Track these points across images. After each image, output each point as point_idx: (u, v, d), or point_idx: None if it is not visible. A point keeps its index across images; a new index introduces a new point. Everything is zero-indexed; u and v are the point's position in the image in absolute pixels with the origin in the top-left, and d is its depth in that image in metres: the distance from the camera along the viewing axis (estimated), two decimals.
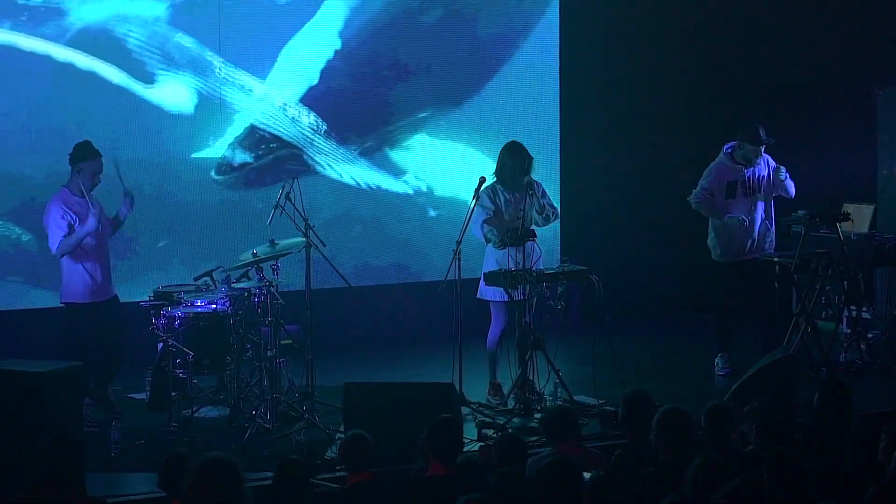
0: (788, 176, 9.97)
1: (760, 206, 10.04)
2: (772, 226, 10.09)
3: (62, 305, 9.19)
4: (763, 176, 10.02)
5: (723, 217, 9.97)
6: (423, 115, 11.86)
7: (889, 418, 6.18)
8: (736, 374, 9.59)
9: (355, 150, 11.65)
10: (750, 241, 10.01)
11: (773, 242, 10.10)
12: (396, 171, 11.82)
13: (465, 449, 7.43)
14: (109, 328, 9.13)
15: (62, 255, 8.96)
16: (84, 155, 9.00)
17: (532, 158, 9.33)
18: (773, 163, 10.05)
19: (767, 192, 10.04)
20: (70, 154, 9.06)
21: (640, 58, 12.56)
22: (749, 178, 9.99)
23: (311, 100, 11.46)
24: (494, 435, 8.09)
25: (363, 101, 11.62)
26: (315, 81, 11.45)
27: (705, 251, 10.26)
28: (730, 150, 10.03)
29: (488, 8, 11.99)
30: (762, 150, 9.96)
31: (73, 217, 8.92)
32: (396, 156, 11.83)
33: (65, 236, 8.90)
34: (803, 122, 10.15)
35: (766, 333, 10.12)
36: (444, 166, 11.96)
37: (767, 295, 10.09)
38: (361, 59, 11.60)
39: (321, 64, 11.46)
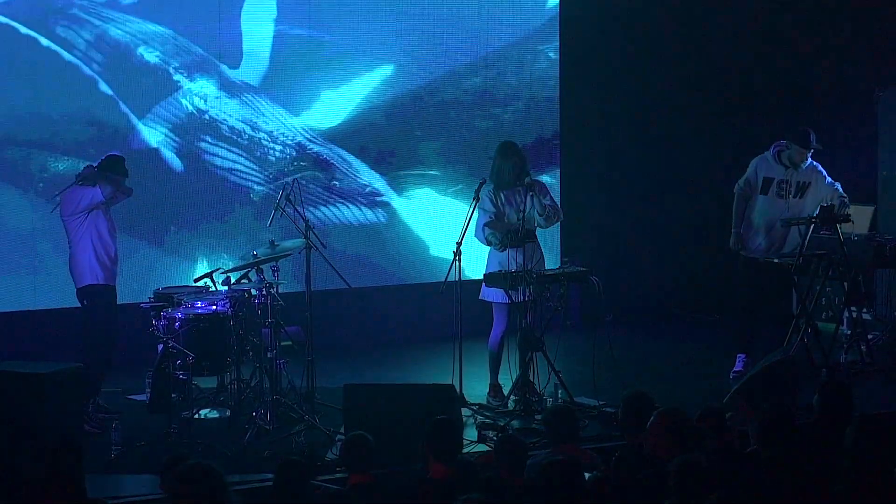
0: (840, 187, 9.94)
1: (789, 209, 9.89)
2: (803, 234, 9.96)
3: (79, 296, 9.05)
4: (803, 182, 9.93)
5: (736, 227, 9.94)
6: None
7: (871, 421, 6.12)
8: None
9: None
10: (769, 243, 9.95)
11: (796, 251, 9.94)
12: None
13: (466, 450, 7.44)
14: (108, 323, 9.11)
15: (109, 196, 8.90)
16: (124, 170, 9.08)
17: (524, 157, 9.32)
18: (824, 173, 9.96)
19: (806, 198, 9.91)
20: (102, 162, 9.05)
21: (641, 58, 12.55)
22: (787, 180, 9.93)
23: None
24: (495, 436, 8.09)
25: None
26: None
27: (705, 252, 10.21)
28: (777, 150, 9.97)
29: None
30: (808, 156, 9.92)
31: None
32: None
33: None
34: (803, 122, 10.12)
35: (767, 334, 10.10)
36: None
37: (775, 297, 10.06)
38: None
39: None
